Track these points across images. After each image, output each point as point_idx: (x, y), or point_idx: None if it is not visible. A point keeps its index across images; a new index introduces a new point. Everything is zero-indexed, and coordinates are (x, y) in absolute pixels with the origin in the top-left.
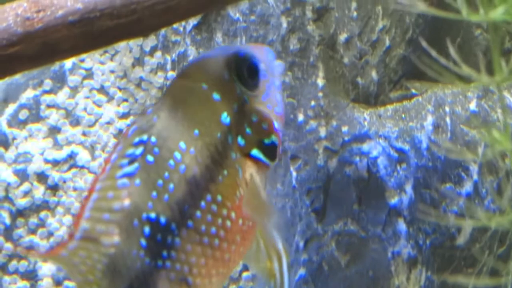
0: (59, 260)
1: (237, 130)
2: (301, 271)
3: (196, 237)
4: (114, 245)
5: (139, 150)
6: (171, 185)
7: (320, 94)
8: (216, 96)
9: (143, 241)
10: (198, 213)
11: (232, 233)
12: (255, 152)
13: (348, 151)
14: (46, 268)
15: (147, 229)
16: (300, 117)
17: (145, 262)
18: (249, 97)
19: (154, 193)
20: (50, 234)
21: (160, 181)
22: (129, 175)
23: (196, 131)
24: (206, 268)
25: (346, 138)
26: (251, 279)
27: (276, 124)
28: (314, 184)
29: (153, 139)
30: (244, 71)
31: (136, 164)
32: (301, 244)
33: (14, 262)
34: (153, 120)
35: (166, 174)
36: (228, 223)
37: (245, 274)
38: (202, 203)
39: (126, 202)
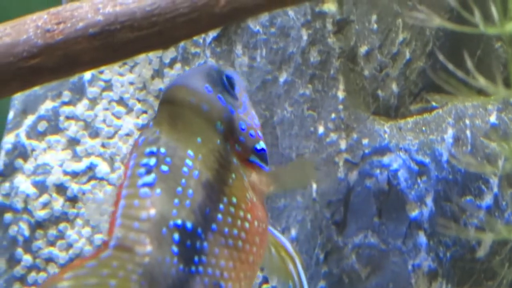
0: (83, 273)
1: (231, 137)
2: (322, 283)
3: (222, 239)
4: (147, 254)
5: (152, 161)
6: (190, 191)
7: (341, 106)
8: (205, 106)
9: (174, 248)
10: (219, 215)
11: (251, 235)
12: (252, 157)
13: (368, 163)
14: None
15: (176, 236)
16: (321, 130)
17: (180, 269)
18: (233, 107)
19: (176, 201)
20: (69, 246)
21: (179, 188)
22: (149, 185)
23: (199, 139)
24: (235, 272)
25: (366, 151)
26: None
27: (260, 133)
28: (334, 197)
29: (162, 150)
30: (223, 83)
31: (153, 175)
32: (322, 256)
33: (33, 274)
34: (156, 133)
35: (183, 181)
36: (247, 224)
37: (265, 286)
38: (221, 205)
39: (152, 211)
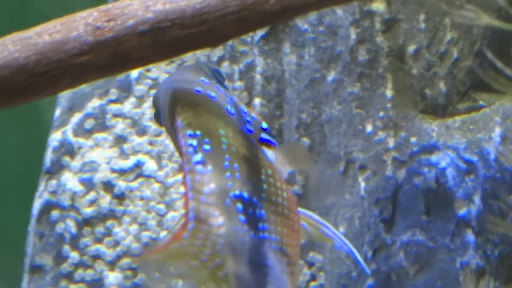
0: (184, 244)
1: (242, 119)
2: (370, 281)
3: (272, 207)
4: (221, 225)
5: (194, 142)
6: (235, 165)
7: (389, 105)
8: (211, 94)
9: (241, 217)
10: (264, 186)
11: (291, 203)
12: (264, 135)
13: (416, 161)
14: (113, 277)
15: (239, 205)
16: (369, 128)
17: (251, 236)
18: (230, 95)
19: (227, 174)
20: (117, 243)
21: (226, 163)
22: (201, 163)
23: (222, 121)
24: (289, 238)
25: (414, 149)
26: None
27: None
28: (382, 195)
29: (198, 132)
30: (214, 76)
31: (200, 154)
32: (370, 254)
33: (80, 271)
34: (186, 119)
35: (226, 156)
36: (285, 194)
37: (312, 284)
38: (262, 176)
39: (212, 185)
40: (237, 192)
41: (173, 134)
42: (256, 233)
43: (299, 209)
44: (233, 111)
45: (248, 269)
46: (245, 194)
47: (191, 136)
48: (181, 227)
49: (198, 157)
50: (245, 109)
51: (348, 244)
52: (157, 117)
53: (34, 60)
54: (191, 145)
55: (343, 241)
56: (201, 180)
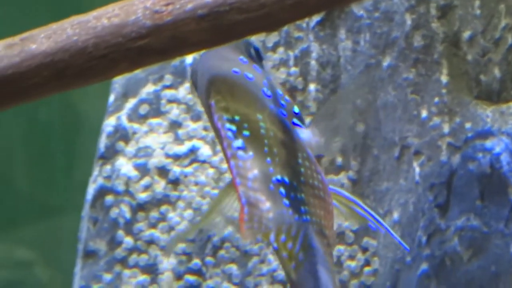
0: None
1: (277, 102)
2: (424, 266)
3: (310, 190)
4: (269, 210)
5: (233, 127)
6: (274, 150)
7: (444, 90)
8: (249, 75)
9: (285, 201)
10: (302, 169)
11: (324, 185)
12: (295, 120)
13: (471, 147)
14: (167, 262)
15: (282, 189)
16: (424, 113)
17: (296, 219)
18: (268, 75)
19: (268, 159)
20: (171, 228)
21: (266, 148)
22: (241, 149)
23: (258, 105)
24: (326, 220)
25: (469, 135)
26: (372, 274)
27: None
28: (437, 180)
29: (236, 117)
30: (254, 53)
31: (240, 140)
32: (424, 239)
33: (134, 256)
34: (223, 102)
35: (265, 141)
36: (319, 176)
37: (366, 269)
38: (299, 160)
39: (255, 171)
40: (278, 177)
41: (209, 112)
42: (300, 216)
43: (330, 186)
44: (269, 93)
45: (303, 252)
46: (286, 178)
47: (229, 120)
48: (240, 212)
49: (239, 142)
50: (280, 91)
51: (380, 220)
52: (194, 89)
53: (93, 44)
54: (229, 129)
55: (375, 218)
56: (244, 166)
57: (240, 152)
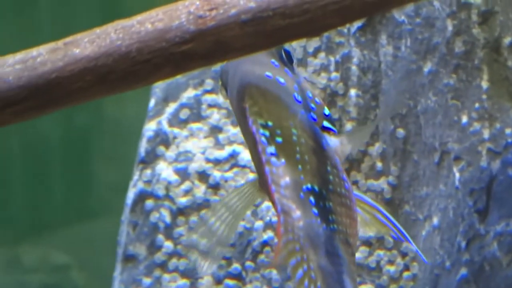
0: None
1: (307, 106)
2: (463, 271)
3: (338, 199)
4: (299, 218)
5: (267, 133)
6: (306, 157)
7: (484, 96)
8: (281, 80)
9: (314, 210)
10: (330, 177)
11: (350, 193)
12: (326, 123)
13: (511, 152)
14: (207, 267)
15: (311, 198)
16: (464, 119)
17: (323, 228)
18: (298, 78)
19: (299, 167)
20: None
21: (297, 156)
22: (274, 155)
23: (289, 111)
24: (351, 228)
25: (509, 140)
26: (411, 279)
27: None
28: (477, 185)
29: (269, 123)
30: (283, 57)
31: (273, 146)
32: (463, 244)
33: (174, 260)
34: (256, 107)
35: (297, 148)
36: (346, 184)
37: (405, 273)
38: (328, 168)
39: (287, 179)
40: (309, 185)
41: (241, 115)
42: (327, 225)
43: (354, 192)
44: (299, 98)
45: (327, 260)
46: (316, 187)
47: (262, 126)
48: (277, 223)
49: (272, 149)
50: (310, 94)
51: (401, 229)
52: (224, 90)
53: (136, 48)
54: (263, 134)
55: (397, 227)
56: (277, 173)
57: (273, 159)
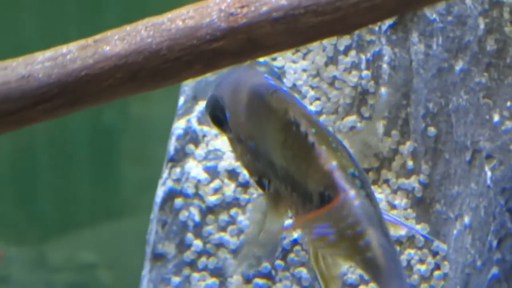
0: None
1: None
2: (494, 270)
3: (368, 183)
4: (353, 197)
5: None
6: (339, 146)
7: None
8: (283, 88)
9: (362, 192)
10: (360, 166)
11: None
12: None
13: None
14: (236, 265)
15: (357, 181)
16: (496, 118)
17: (373, 210)
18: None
19: (338, 154)
20: (241, 231)
21: (334, 145)
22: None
23: (307, 109)
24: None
25: None
26: (442, 278)
27: None
28: (509, 184)
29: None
30: (273, 72)
31: (311, 136)
32: (495, 243)
33: (203, 259)
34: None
35: (330, 139)
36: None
37: (436, 272)
38: (354, 158)
39: (333, 162)
40: (351, 170)
41: (253, 125)
42: (374, 207)
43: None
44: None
45: (386, 238)
46: (356, 172)
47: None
48: (335, 199)
49: (311, 138)
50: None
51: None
52: (217, 119)
53: (167, 46)
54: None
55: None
56: (322, 157)
57: (316, 145)
